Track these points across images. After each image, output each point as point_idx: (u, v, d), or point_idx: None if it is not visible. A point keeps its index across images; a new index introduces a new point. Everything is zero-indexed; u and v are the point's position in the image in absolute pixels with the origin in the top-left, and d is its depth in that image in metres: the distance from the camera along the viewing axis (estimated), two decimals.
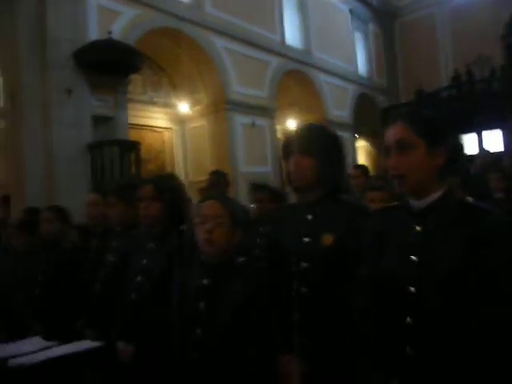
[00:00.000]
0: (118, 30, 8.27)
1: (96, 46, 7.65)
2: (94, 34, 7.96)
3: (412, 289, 1.32)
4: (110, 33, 7.81)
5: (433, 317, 1.27)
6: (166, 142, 10.53)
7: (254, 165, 10.49)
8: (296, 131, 1.79)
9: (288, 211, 1.84)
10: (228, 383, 1.52)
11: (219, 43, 10.06)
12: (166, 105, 10.40)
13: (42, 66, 7.50)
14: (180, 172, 10.15)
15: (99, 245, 2.59)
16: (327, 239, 1.61)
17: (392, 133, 1.42)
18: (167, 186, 2.11)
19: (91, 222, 2.82)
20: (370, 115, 14.92)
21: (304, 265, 1.61)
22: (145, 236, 2.12)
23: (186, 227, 2.04)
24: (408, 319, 1.31)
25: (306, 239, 1.65)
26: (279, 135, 12.05)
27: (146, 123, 9.98)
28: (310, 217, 1.69)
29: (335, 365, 1.54)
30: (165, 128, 10.50)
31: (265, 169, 10.83)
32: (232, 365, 1.52)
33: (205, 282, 1.58)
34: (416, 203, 1.42)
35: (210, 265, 1.60)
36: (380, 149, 14.71)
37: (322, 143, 1.71)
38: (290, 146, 1.74)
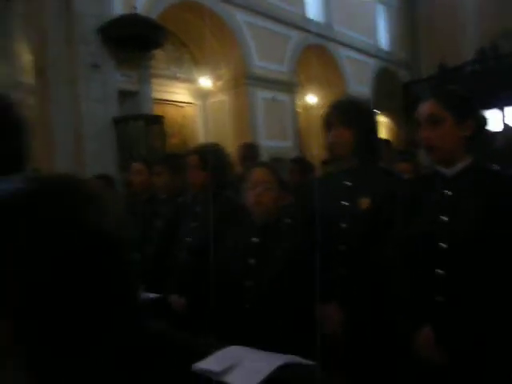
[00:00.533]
0: (142, 4, 8.35)
1: (121, 21, 7.75)
2: (118, 8, 8.06)
3: (443, 245, 1.48)
4: (134, 8, 7.90)
5: (462, 268, 1.44)
6: (188, 117, 10.68)
7: (274, 139, 10.60)
8: (335, 104, 1.94)
9: (326, 179, 2.01)
10: (276, 328, 1.71)
11: (241, 17, 10.06)
12: (188, 80, 10.50)
13: (68, 42, 7.65)
14: None
15: (145, 211, 2.79)
16: (364, 203, 1.78)
17: (423, 109, 1.58)
18: (211, 155, 2.28)
19: (136, 190, 3.01)
20: (391, 90, 14.79)
21: (343, 225, 1.79)
22: (192, 201, 2.31)
23: (231, 192, 2.22)
24: (439, 271, 1.48)
25: (345, 203, 1.82)
26: (299, 110, 12.10)
27: (168, 98, 10.12)
28: (348, 183, 1.85)
29: (373, 313, 1.73)
30: (187, 103, 10.63)
31: (285, 143, 10.93)
32: (279, 312, 1.71)
33: (254, 240, 1.77)
34: (446, 170, 1.58)
35: (259, 225, 1.78)
36: (400, 124, 14.64)
37: (359, 115, 1.86)
38: (329, 118, 1.89)
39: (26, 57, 8.63)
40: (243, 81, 10.22)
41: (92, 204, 0.52)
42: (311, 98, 12.69)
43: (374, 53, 14.30)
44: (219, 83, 10.54)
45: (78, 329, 0.47)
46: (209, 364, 1.30)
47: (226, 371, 1.31)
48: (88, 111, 7.71)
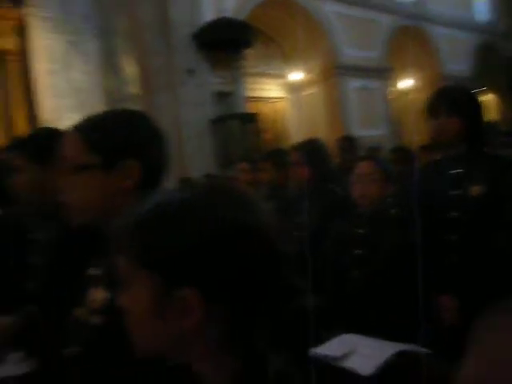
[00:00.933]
0: (230, 8, 8.62)
1: (212, 26, 8.08)
2: (209, 14, 8.40)
3: None
4: (223, 12, 8.20)
5: None
6: (280, 112, 10.83)
7: (367, 128, 10.37)
8: (439, 91, 1.91)
9: (432, 167, 1.99)
10: (386, 317, 1.74)
11: (328, 7, 9.97)
12: (279, 75, 10.64)
13: (166, 51, 8.17)
14: (294, 140, 10.41)
15: None
16: (475, 191, 1.74)
17: None
18: (312, 151, 2.35)
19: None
20: (493, 65, 13.68)
21: (454, 214, 1.76)
22: (297, 196, 2.41)
23: (334, 185, 2.28)
24: None
25: (455, 191, 1.79)
26: (392, 96, 11.70)
27: (260, 95, 10.34)
28: (457, 170, 1.82)
29: (486, 302, 1.69)
30: (278, 98, 10.78)
31: (378, 131, 10.64)
32: (387, 303, 1.74)
33: (360, 231, 1.81)
34: None
35: (365, 216, 1.82)
36: (506, 101, 13.49)
37: (465, 103, 1.82)
38: (434, 105, 1.87)
39: (129, 69, 9.35)
40: (334, 71, 10.13)
41: (242, 203, 0.62)
42: (404, 83, 12.20)
43: (472, 26, 13.30)
44: (310, 76, 10.55)
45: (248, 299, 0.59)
46: (328, 350, 1.38)
47: (343, 357, 1.39)
48: (186, 114, 8.17)
